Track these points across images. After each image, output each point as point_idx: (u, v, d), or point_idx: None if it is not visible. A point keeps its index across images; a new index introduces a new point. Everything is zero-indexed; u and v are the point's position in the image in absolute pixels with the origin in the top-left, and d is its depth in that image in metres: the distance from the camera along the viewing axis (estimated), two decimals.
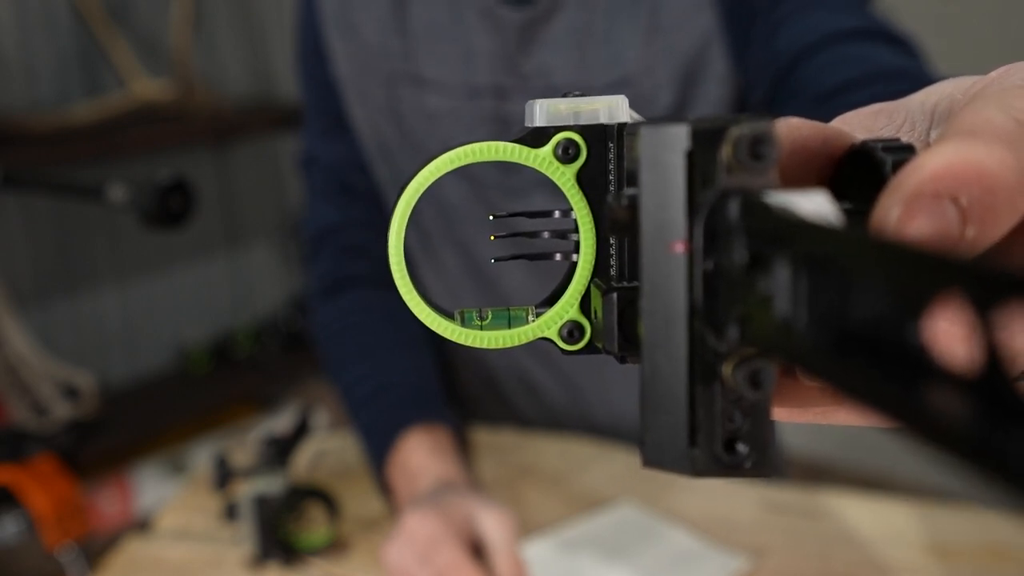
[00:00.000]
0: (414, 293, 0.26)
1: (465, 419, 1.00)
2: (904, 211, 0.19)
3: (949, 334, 0.14)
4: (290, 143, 2.17)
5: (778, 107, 0.75)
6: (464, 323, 0.26)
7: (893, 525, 0.80)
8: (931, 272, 0.14)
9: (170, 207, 0.77)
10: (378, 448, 0.85)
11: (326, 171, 0.98)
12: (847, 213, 0.22)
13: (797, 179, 0.23)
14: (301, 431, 0.84)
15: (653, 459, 0.21)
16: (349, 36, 0.92)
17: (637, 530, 0.81)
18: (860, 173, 0.23)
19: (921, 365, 0.15)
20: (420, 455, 0.81)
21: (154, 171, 0.79)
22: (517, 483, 0.90)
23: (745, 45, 0.79)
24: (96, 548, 0.90)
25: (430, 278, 0.98)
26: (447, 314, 0.26)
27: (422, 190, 0.25)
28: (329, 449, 1.01)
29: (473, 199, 0.91)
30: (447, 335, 0.26)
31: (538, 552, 0.78)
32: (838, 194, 0.23)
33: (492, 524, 0.70)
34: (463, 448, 0.88)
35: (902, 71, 0.67)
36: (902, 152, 0.22)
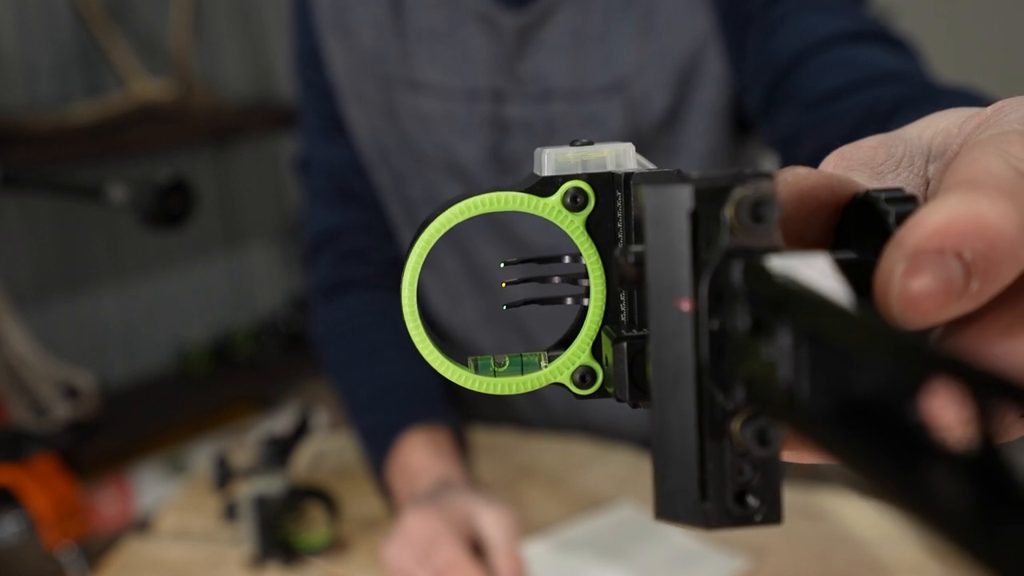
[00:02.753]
0: (428, 342, 0.26)
1: (465, 420, 1.00)
2: (909, 267, 0.19)
3: (945, 414, 0.15)
4: (290, 143, 2.17)
5: (774, 110, 0.75)
6: (478, 370, 0.26)
7: (892, 525, 0.80)
8: (928, 362, 0.15)
9: (170, 207, 0.77)
10: (378, 449, 0.85)
11: (324, 175, 0.98)
12: (851, 263, 0.22)
13: (803, 227, 0.23)
14: (301, 431, 0.84)
15: (666, 513, 0.22)
16: (345, 39, 0.92)
17: (637, 530, 0.81)
18: (864, 222, 0.23)
19: (919, 442, 0.15)
20: (420, 456, 0.81)
21: (154, 171, 0.79)
22: (517, 483, 0.90)
23: (740, 47, 0.79)
24: (96, 548, 0.90)
25: (430, 282, 0.98)
26: (460, 361, 0.27)
27: (432, 243, 0.26)
28: (329, 449, 1.01)
29: None
30: (461, 382, 0.26)
31: (538, 552, 0.78)
32: (842, 241, 0.24)
33: (491, 522, 0.70)
34: (463, 449, 0.88)
35: (899, 73, 0.67)
36: (905, 203, 0.22)
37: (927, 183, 0.24)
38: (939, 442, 0.15)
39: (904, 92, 0.63)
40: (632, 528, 0.81)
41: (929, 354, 0.15)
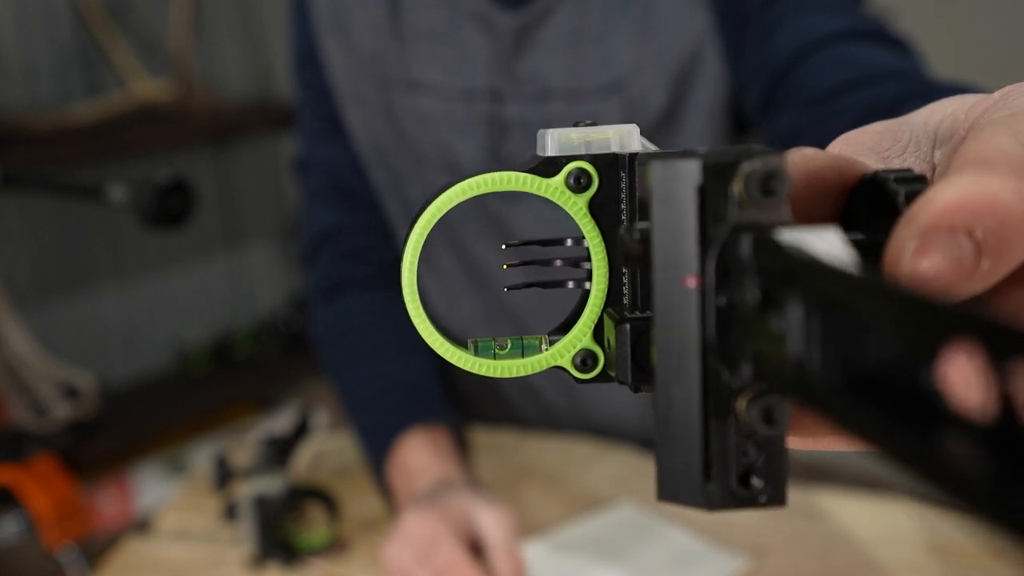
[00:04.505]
0: (428, 324, 0.26)
1: (465, 420, 1.00)
2: (919, 245, 0.19)
3: (964, 379, 0.14)
4: (290, 143, 2.17)
5: (773, 109, 0.75)
6: (478, 352, 0.26)
7: (892, 525, 0.80)
8: (946, 322, 0.14)
9: (170, 207, 0.77)
10: (378, 450, 0.85)
11: (323, 175, 0.98)
12: (860, 244, 0.22)
13: (810, 208, 0.23)
14: (301, 431, 0.84)
15: (668, 493, 0.22)
16: (343, 41, 0.92)
17: (637, 530, 0.81)
18: (873, 203, 0.23)
19: (936, 411, 0.15)
20: (420, 456, 0.81)
21: (154, 171, 0.79)
22: (517, 483, 0.90)
23: (739, 47, 0.79)
24: (96, 548, 0.90)
25: (427, 280, 0.98)
26: (461, 344, 0.26)
27: (433, 223, 0.25)
28: (329, 449, 1.01)
29: (468, 200, 0.91)
30: (462, 365, 0.26)
31: (538, 552, 0.78)
32: (850, 223, 0.23)
33: (491, 522, 0.70)
34: (463, 449, 0.88)
35: (898, 72, 0.67)
36: (915, 183, 0.22)
37: (933, 168, 0.24)
38: (956, 409, 0.14)
39: (904, 90, 0.63)
40: (632, 528, 0.81)
41: (947, 313, 0.14)
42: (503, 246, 0.28)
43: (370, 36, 0.90)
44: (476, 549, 0.71)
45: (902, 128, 0.24)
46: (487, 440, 0.98)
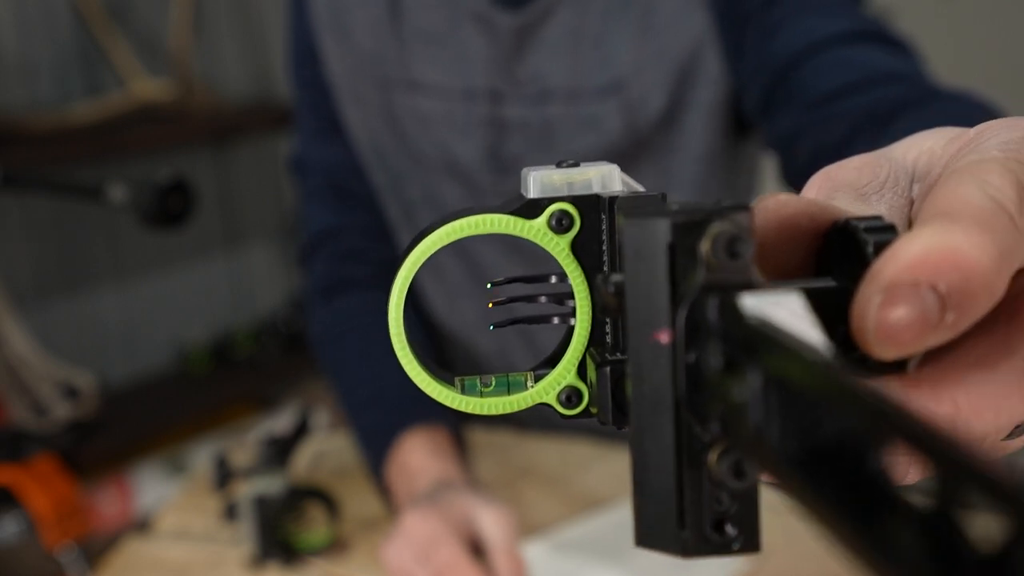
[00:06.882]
0: (414, 363, 0.26)
1: (464, 420, 1.01)
2: (884, 299, 0.19)
3: (905, 470, 0.15)
4: (290, 143, 2.17)
5: (773, 110, 0.75)
6: (464, 391, 0.27)
7: None
8: (887, 422, 0.15)
9: (170, 207, 0.77)
10: (378, 450, 0.85)
11: (321, 175, 0.98)
12: (830, 292, 0.23)
13: (783, 255, 0.24)
14: (301, 431, 0.84)
15: (645, 540, 0.22)
16: (343, 40, 0.92)
17: None
18: (845, 249, 0.23)
19: (880, 495, 0.15)
20: (419, 456, 0.81)
21: (154, 171, 0.79)
22: (517, 483, 0.90)
23: (739, 47, 0.79)
24: (96, 548, 0.90)
25: (430, 284, 0.98)
26: (447, 380, 0.27)
27: (420, 264, 0.26)
28: (329, 449, 1.01)
29: (470, 202, 0.91)
30: (448, 403, 0.26)
31: (537, 552, 0.78)
32: (823, 267, 0.24)
33: (491, 523, 0.70)
34: (462, 449, 0.88)
35: (899, 74, 0.67)
36: (884, 233, 0.22)
37: (911, 203, 0.25)
38: (899, 495, 0.15)
39: (904, 93, 0.63)
40: (631, 528, 0.81)
41: (890, 416, 0.15)
42: (488, 285, 0.28)
43: (370, 36, 0.90)
44: (476, 549, 0.71)
45: (881, 163, 0.25)
46: (487, 440, 0.98)
